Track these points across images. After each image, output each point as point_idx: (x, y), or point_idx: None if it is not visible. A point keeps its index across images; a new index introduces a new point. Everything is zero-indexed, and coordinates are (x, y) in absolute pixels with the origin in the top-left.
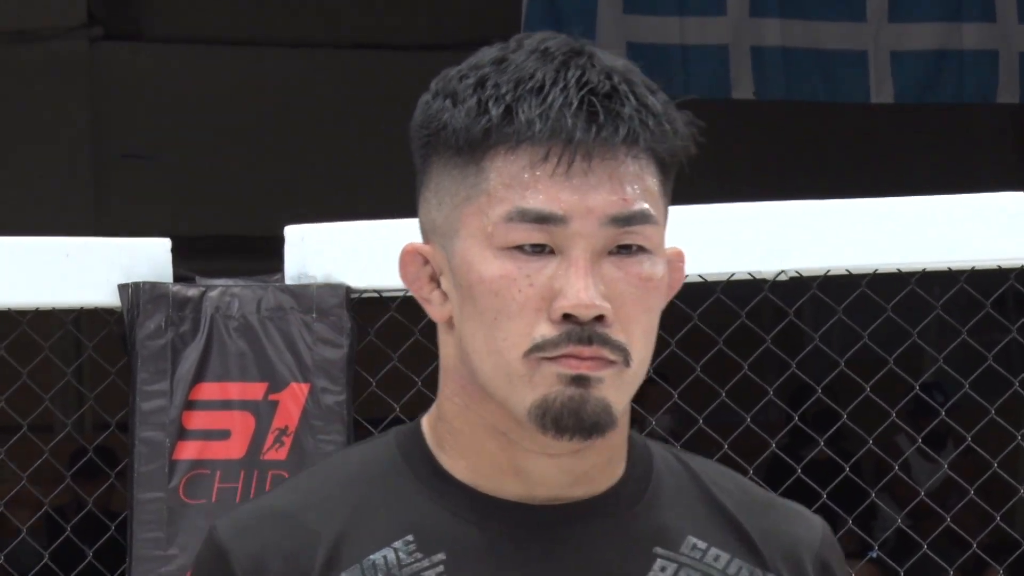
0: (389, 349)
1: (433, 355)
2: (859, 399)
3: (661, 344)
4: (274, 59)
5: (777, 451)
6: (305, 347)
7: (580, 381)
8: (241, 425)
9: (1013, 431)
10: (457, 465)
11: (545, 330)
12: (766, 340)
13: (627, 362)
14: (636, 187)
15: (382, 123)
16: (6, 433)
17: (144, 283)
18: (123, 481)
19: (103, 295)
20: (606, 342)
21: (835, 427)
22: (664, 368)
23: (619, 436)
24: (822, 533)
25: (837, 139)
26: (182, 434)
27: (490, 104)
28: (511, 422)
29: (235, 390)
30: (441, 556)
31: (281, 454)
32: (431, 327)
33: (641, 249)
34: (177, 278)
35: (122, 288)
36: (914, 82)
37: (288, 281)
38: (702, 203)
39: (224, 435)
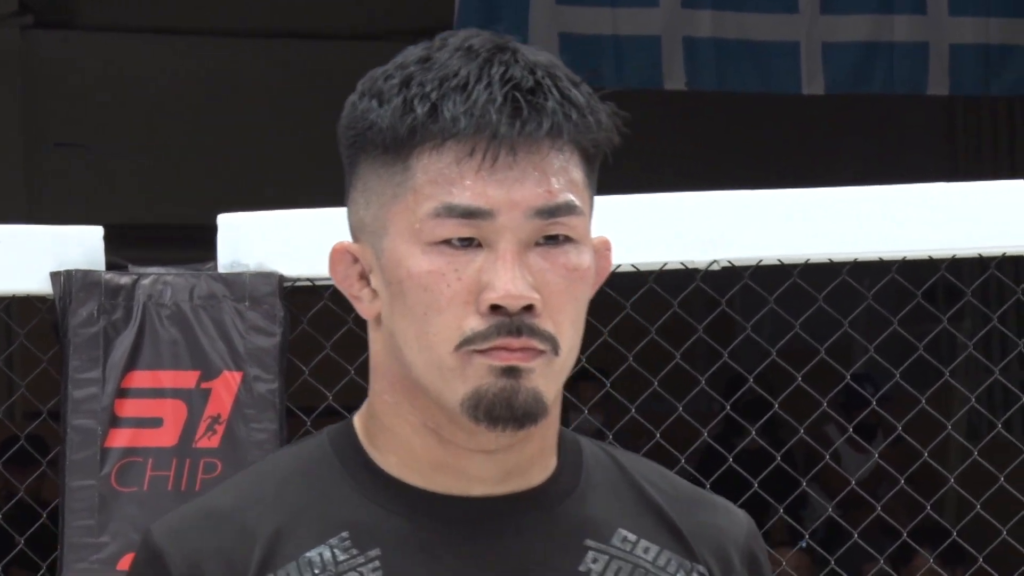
0: (322, 337)
1: (366, 344)
2: (790, 389)
3: (594, 334)
4: (206, 48)
5: (709, 440)
6: (238, 335)
7: (511, 372)
8: (173, 413)
9: (943, 420)
10: (389, 461)
11: (474, 323)
12: (698, 329)
13: (556, 351)
14: (561, 179)
15: (315, 112)
16: None
17: (76, 271)
18: (54, 469)
19: (35, 283)
20: (535, 332)
21: (767, 416)
22: (597, 358)
23: (551, 429)
24: (747, 527)
25: (769, 130)
26: (114, 422)
27: (415, 103)
28: (443, 418)
29: (167, 378)
30: (376, 551)
31: (214, 442)
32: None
33: (567, 239)
34: (109, 266)
35: (54, 276)
36: (845, 73)
37: (221, 269)
38: (635, 192)
39: (156, 423)
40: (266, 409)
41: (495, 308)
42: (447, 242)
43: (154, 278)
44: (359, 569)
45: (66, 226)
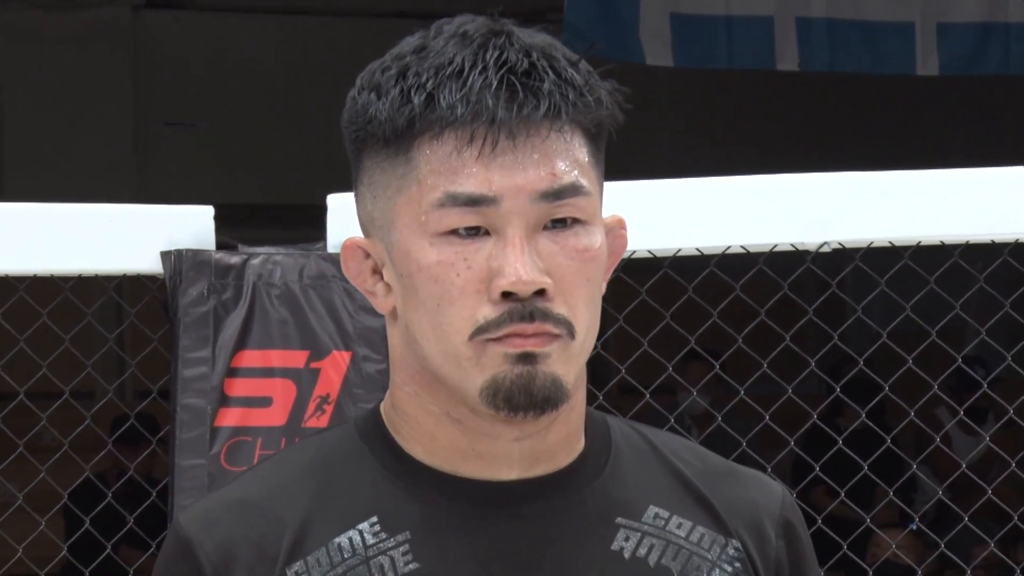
0: None
1: None
2: (900, 371)
3: (703, 315)
4: (314, 27)
5: (818, 422)
6: (347, 315)
7: (527, 359)
8: (283, 393)
9: None
10: (415, 449)
11: (487, 311)
12: (808, 312)
13: (572, 334)
14: (566, 161)
15: None
16: (48, 399)
17: (187, 250)
18: (164, 448)
19: (146, 262)
20: (548, 316)
21: (876, 399)
22: (706, 339)
23: (576, 413)
24: (782, 497)
25: (881, 111)
26: (224, 401)
27: (412, 93)
28: (464, 409)
29: (277, 358)
30: (406, 535)
31: (323, 422)
32: None
33: (576, 221)
34: (219, 246)
35: (165, 255)
36: (960, 54)
37: (330, 249)
38: (744, 174)
39: (266, 402)
40: (375, 389)
41: (506, 295)
42: (454, 232)
43: (264, 258)
44: (389, 553)
45: (176, 206)
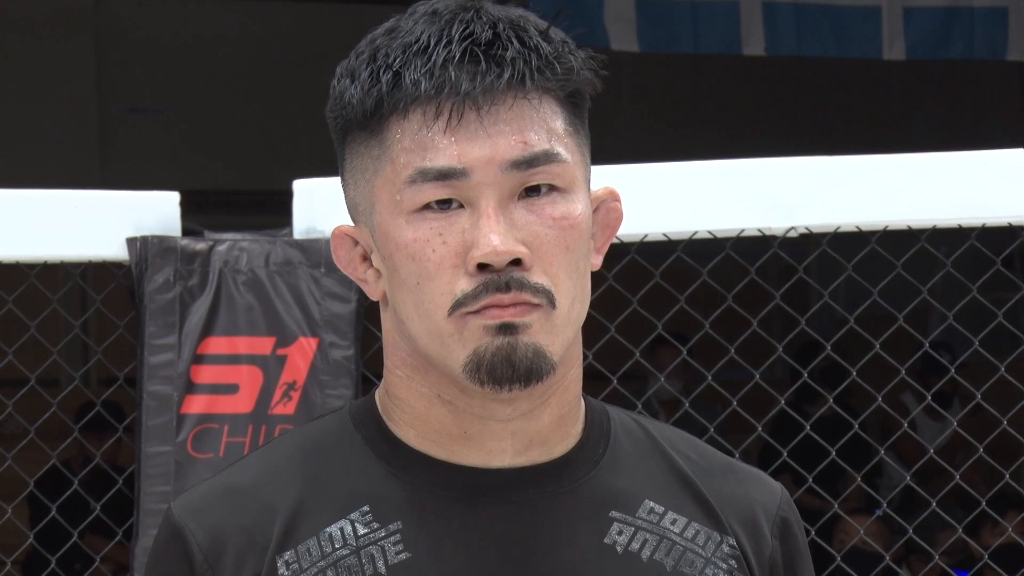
0: None
1: None
2: (867, 356)
3: (670, 300)
4: (280, 13)
5: (785, 407)
6: (313, 302)
7: (506, 329)
8: (249, 379)
9: (1022, 388)
10: (408, 435)
11: (463, 284)
12: (775, 296)
13: (552, 303)
14: (538, 129)
15: None
16: (13, 386)
17: (152, 237)
18: (130, 435)
19: (111, 248)
20: (524, 286)
21: (843, 384)
22: (674, 324)
23: (569, 394)
24: (780, 496)
25: (846, 95)
26: (190, 388)
27: (380, 73)
28: (454, 389)
29: (243, 344)
30: (398, 524)
31: (289, 408)
32: None
33: (552, 188)
34: (185, 232)
35: (130, 242)
36: (926, 39)
37: (297, 235)
38: (711, 158)
39: (232, 389)
40: (342, 375)
41: (482, 267)
42: (428, 207)
43: (230, 244)
44: (380, 543)
45: (142, 192)
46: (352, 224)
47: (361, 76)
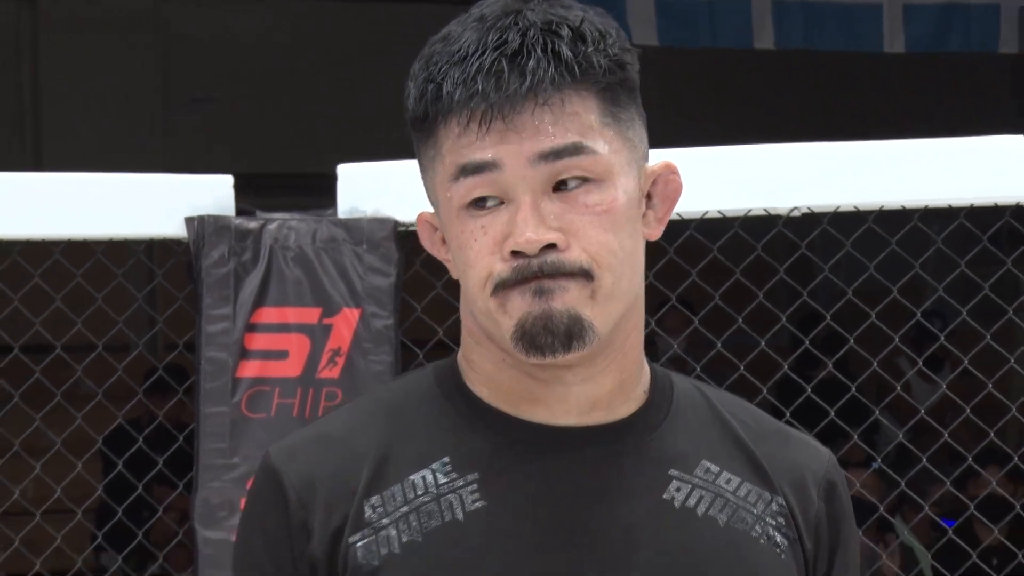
0: (433, 278)
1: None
2: (864, 325)
3: (683, 274)
4: (328, 12)
5: (788, 372)
6: (356, 276)
7: (541, 293)
8: (298, 346)
9: (1006, 354)
10: (483, 392)
11: (500, 268)
12: (779, 271)
13: (588, 277)
14: (566, 125)
15: None
16: (84, 352)
17: (209, 216)
18: (190, 397)
19: (172, 227)
20: (560, 267)
21: (842, 351)
22: (686, 295)
23: (629, 360)
24: (827, 460)
25: (850, 86)
26: (244, 354)
27: (427, 83)
28: (518, 358)
29: (292, 315)
30: (474, 475)
31: (334, 372)
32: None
33: (585, 180)
34: (239, 212)
35: (189, 221)
36: (924, 33)
37: (341, 215)
38: (723, 144)
39: (282, 355)
40: (382, 343)
41: (516, 254)
42: (474, 205)
43: (280, 223)
44: (459, 492)
45: (199, 175)
46: (432, 210)
47: (417, 82)
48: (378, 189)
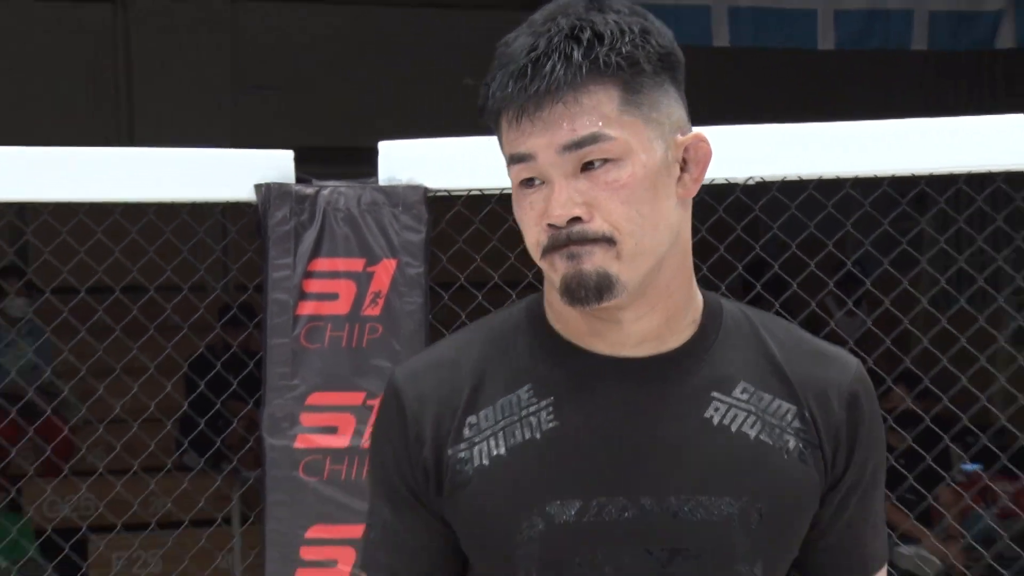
0: (456, 234)
1: (486, 240)
2: (805, 273)
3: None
4: (369, 16)
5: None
6: (393, 232)
7: (572, 257)
8: (346, 289)
9: (918, 295)
10: (558, 327)
11: (543, 237)
12: (736, 228)
13: (612, 242)
14: (587, 117)
15: (445, 66)
16: (172, 292)
17: (273, 184)
18: (259, 330)
19: (244, 192)
20: (584, 236)
21: (787, 294)
22: None
23: (672, 302)
24: (853, 375)
25: (790, 83)
26: (302, 296)
27: (487, 84)
28: None
29: (341, 264)
30: (551, 399)
31: (376, 311)
32: (488, 218)
33: (606, 161)
34: (298, 180)
35: (257, 187)
36: (851, 33)
37: (381, 183)
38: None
39: (334, 297)
40: (414, 287)
41: (551, 225)
42: (524, 184)
43: (331, 189)
44: (537, 414)
45: (266, 150)
46: None
47: (484, 82)
48: (412, 162)
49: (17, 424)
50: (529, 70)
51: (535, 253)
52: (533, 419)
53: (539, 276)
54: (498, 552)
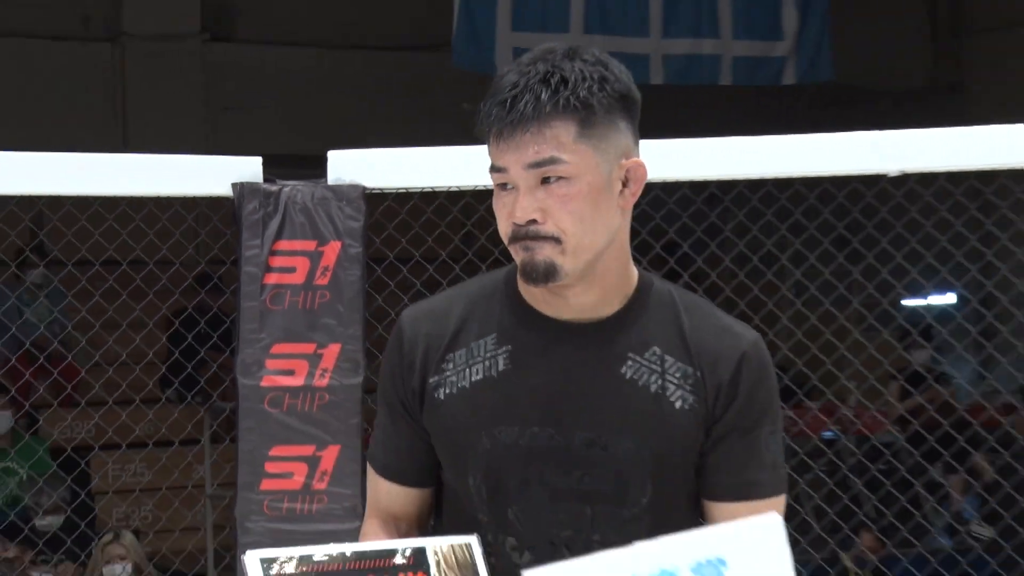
0: (386, 222)
1: (410, 227)
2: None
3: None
4: (323, 56)
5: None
6: (339, 220)
7: (527, 249)
8: (302, 264)
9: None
10: (524, 293)
11: (510, 230)
12: (655, 217)
13: (558, 241)
14: (548, 144)
15: (380, 93)
16: (167, 266)
17: (247, 183)
18: (234, 296)
19: (223, 189)
20: (537, 235)
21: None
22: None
23: (606, 282)
24: (745, 347)
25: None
26: (268, 269)
27: (482, 107)
28: None
29: (299, 244)
30: (508, 347)
31: (324, 281)
32: (412, 210)
33: (560, 178)
34: (265, 180)
35: (234, 186)
36: (675, 71)
37: (330, 183)
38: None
39: (292, 270)
40: (354, 263)
41: (515, 223)
42: (500, 187)
43: (291, 187)
44: (497, 357)
45: (240, 157)
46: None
47: (481, 105)
48: (353, 166)
49: (44, 367)
50: (509, 103)
51: (504, 239)
52: (492, 361)
53: (452, 255)
54: (459, 461)
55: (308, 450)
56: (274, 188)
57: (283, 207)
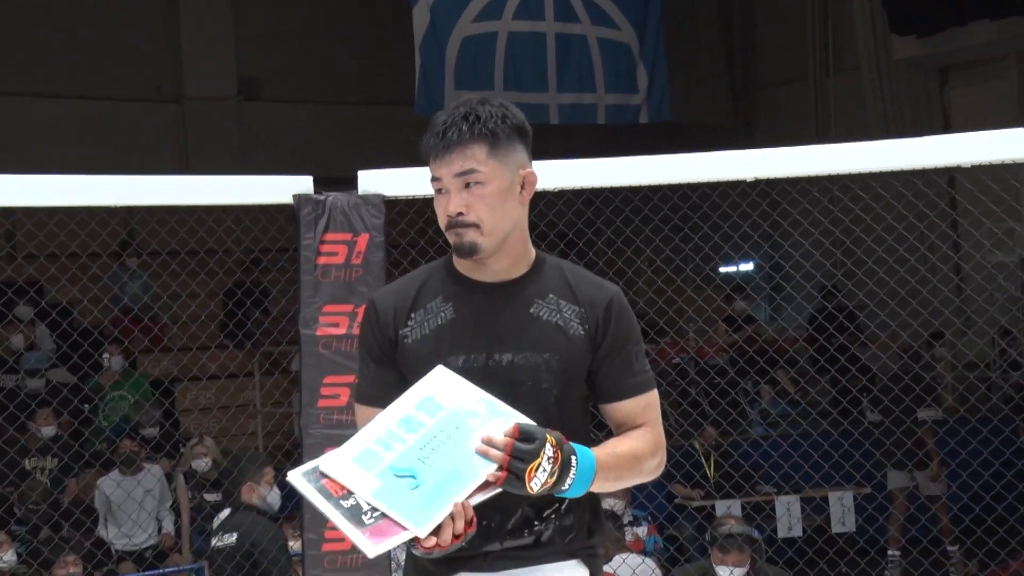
0: (400, 220)
1: (415, 223)
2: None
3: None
4: (331, 106)
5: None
6: (367, 219)
7: (457, 235)
8: (342, 250)
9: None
10: (459, 266)
11: (445, 221)
12: (578, 223)
13: (478, 228)
14: (468, 160)
15: (384, 131)
16: (245, 254)
17: (303, 194)
18: (296, 273)
19: (285, 198)
20: (464, 223)
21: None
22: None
23: (514, 254)
24: (610, 294)
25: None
26: (319, 254)
27: (424, 138)
28: None
29: (340, 236)
30: (451, 303)
31: (358, 260)
32: (416, 212)
33: (477, 183)
34: (315, 192)
35: (295, 196)
36: (566, 115)
37: (360, 193)
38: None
39: (335, 254)
40: (378, 249)
41: (448, 216)
42: (437, 192)
43: (334, 196)
44: (444, 311)
45: (297, 176)
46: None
47: (423, 137)
48: (376, 182)
49: (146, 325)
50: (441, 134)
51: (442, 227)
52: (442, 313)
53: (447, 241)
54: None
55: (350, 378)
56: (322, 197)
57: (328, 210)
